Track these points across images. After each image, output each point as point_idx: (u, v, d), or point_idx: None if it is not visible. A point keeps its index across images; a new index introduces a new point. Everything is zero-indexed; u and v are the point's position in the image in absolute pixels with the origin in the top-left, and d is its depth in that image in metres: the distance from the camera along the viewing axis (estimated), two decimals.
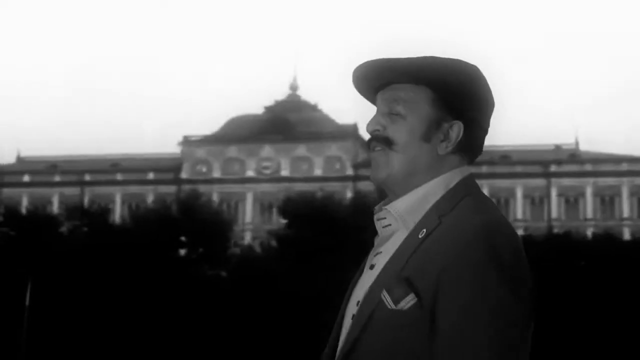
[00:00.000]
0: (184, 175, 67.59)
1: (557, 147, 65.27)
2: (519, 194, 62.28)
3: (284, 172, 65.87)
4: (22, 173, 70.47)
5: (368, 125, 1.87)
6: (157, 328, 30.30)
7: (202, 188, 66.05)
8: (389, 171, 1.82)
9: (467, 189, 1.81)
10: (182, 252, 33.25)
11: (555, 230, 50.99)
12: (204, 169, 67.61)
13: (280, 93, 73.95)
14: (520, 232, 55.77)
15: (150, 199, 66.38)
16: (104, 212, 35.02)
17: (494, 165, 62.88)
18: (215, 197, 63.42)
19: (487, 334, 1.59)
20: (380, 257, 1.81)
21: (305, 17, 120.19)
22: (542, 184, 62.03)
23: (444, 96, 1.82)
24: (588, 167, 61.63)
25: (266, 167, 66.39)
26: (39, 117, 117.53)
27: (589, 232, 52.05)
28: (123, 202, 67.48)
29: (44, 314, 29.38)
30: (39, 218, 32.45)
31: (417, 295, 1.65)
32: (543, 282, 33.33)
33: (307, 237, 30.66)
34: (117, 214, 63.80)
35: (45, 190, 69.04)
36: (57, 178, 69.81)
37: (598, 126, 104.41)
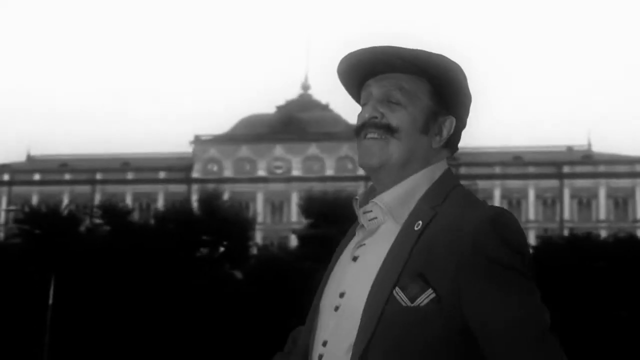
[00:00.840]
0: (195, 174, 67.53)
1: (570, 149, 65.22)
2: (532, 195, 62.20)
3: (296, 172, 65.79)
4: (32, 172, 70.44)
5: (363, 112, 1.84)
6: (180, 327, 30.22)
7: (213, 187, 66.23)
8: (386, 159, 1.80)
9: (452, 181, 1.82)
10: (204, 251, 33.15)
11: (567, 232, 51.10)
12: (215, 169, 67.55)
13: (291, 93, 74.04)
14: (532, 233, 55.77)
15: (161, 198, 66.43)
16: (126, 210, 34.95)
17: (507, 166, 62.86)
18: (226, 197, 63.34)
19: (530, 319, 1.63)
20: (366, 250, 1.79)
21: (317, 16, 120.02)
22: (555, 185, 61.94)
23: (442, 90, 1.83)
24: (601, 169, 61.58)
25: (278, 167, 66.31)
26: (49, 116, 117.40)
27: (602, 234, 51.89)
28: (134, 201, 67.34)
29: (67, 312, 29.30)
30: (60, 216, 32.34)
31: (434, 291, 1.65)
32: (565, 284, 33.27)
33: (333, 236, 30.46)
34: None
35: (55, 189, 69.01)
36: (67, 177, 69.77)
37: (611, 127, 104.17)
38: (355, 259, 1.80)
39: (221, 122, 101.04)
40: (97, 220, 32.92)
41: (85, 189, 68.65)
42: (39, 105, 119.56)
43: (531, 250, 1.76)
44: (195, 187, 66.72)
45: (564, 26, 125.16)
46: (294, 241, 43.45)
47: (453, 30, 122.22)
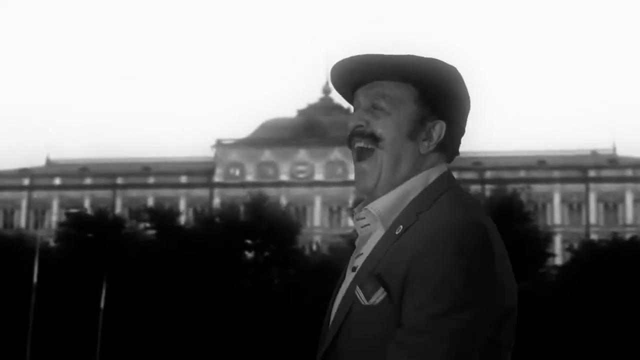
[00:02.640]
0: (216, 179, 67.26)
1: (594, 152, 64.98)
2: (557, 199, 61.94)
3: (318, 176, 65.54)
4: (52, 176, 70.11)
5: (349, 121, 1.85)
6: (225, 330, 30.00)
7: (235, 192, 65.97)
8: (378, 175, 1.80)
9: (444, 185, 1.80)
10: (249, 255, 32.90)
11: (594, 237, 50.89)
12: (237, 173, 67.27)
13: (312, 96, 73.81)
14: (558, 238, 55.46)
15: (183, 202, 66.17)
16: (174, 214, 34.65)
17: (531, 170, 62.61)
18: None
19: (444, 325, 1.60)
20: (361, 258, 1.81)
21: (337, 20, 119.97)
22: (580, 190, 61.67)
23: (428, 95, 1.82)
24: (628, 173, 61.32)
25: (301, 171, 66.05)
26: (67, 121, 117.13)
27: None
28: (155, 206, 67.05)
29: (118, 316, 29.07)
30: (106, 220, 32.08)
31: (386, 290, 1.67)
32: (613, 287, 33.10)
33: None
34: None
35: (76, 193, 68.71)
36: (88, 181, 69.44)
37: (636, 131, 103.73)
38: (354, 269, 1.81)
39: (242, 127, 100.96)
40: (146, 224, 32.66)
41: (106, 193, 68.36)
42: (57, 110, 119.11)
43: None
44: (217, 191, 66.62)
45: (587, 28, 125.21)
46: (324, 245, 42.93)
47: (476, 35, 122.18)
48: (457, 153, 1.88)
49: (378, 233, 1.80)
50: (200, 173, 67.90)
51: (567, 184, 61.86)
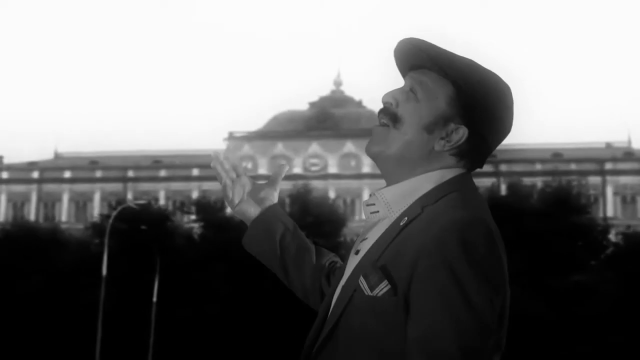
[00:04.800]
0: None
1: (609, 145, 64.88)
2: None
3: (332, 169, 65.21)
4: (61, 169, 69.43)
5: (385, 95, 1.86)
6: (277, 322, 29.71)
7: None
8: (384, 148, 1.82)
9: (456, 185, 1.79)
10: None
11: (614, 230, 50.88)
12: (250, 166, 66.83)
13: (324, 89, 73.38)
14: None
15: (195, 195, 65.66)
16: (221, 206, 34.19)
17: (546, 162, 62.47)
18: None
19: (452, 322, 1.60)
20: (366, 243, 1.81)
21: (348, 12, 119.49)
22: (597, 182, 61.52)
23: (462, 100, 1.79)
24: None
25: (314, 164, 65.70)
26: (74, 114, 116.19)
27: None
28: (167, 199, 66.58)
29: (170, 309, 28.67)
30: (152, 212, 31.60)
31: (390, 282, 1.68)
32: None
33: None
34: None
35: (86, 186, 68.13)
36: (98, 174, 68.81)
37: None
38: (357, 252, 1.82)
39: (254, 119, 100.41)
40: (192, 216, 32.22)
41: (117, 186, 67.78)
42: (64, 104, 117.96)
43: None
44: None
45: (603, 22, 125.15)
46: None
47: (494, 28, 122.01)
48: (480, 166, 1.85)
49: (385, 221, 1.80)
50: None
51: (584, 177, 61.64)
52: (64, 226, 53.71)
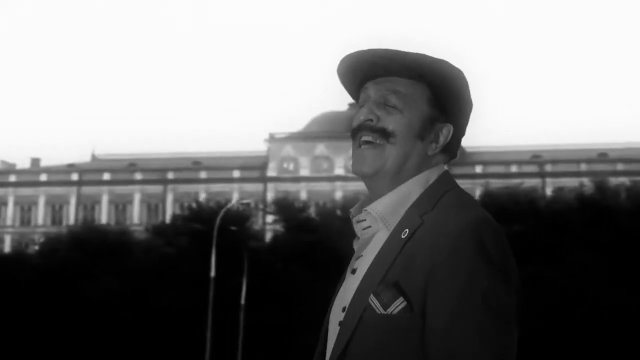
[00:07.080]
0: (270, 173, 66.54)
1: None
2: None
3: None
4: (100, 171, 69.24)
5: (359, 114, 1.80)
6: None
7: (289, 186, 65.28)
8: (381, 166, 1.76)
9: (445, 185, 1.78)
10: None
11: None
12: (291, 167, 66.59)
13: None
14: None
15: (235, 197, 65.30)
16: (302, 207, 33.92)
17: (592, 162, 62.24)
18: (303, 196, 62.37)
19: (479, 327, 1.58)
20: (362, 261, 1.76)
21: (383, 12, 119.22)
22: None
23: (440, 97, 1.79)
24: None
25: None
26: (112, 116, 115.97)
27: None
28: (208, 201, 66.31)
29: (257, 311, 28.39)
30: (228, 213, 31.27)
31: (405, 298, 1.64)
32: None
33: (520, 232, 29.60)
34: None
35: (126, 189, 67.91)
36: (137, 176, 68.57)
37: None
38: (354, 271, 1.77)
39: (293, 120, 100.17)
40: (273, 217, 31.91)
41: (156, 188, 67.54)
42: (100, 105, 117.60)
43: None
44: (270, 186, 65.85)
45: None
46: None
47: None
48: (456, 155, 1.84)
49: (380, 235, 1.74)
50: (253, 167, 67.16)
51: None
52: (134, 228, 53.04)
